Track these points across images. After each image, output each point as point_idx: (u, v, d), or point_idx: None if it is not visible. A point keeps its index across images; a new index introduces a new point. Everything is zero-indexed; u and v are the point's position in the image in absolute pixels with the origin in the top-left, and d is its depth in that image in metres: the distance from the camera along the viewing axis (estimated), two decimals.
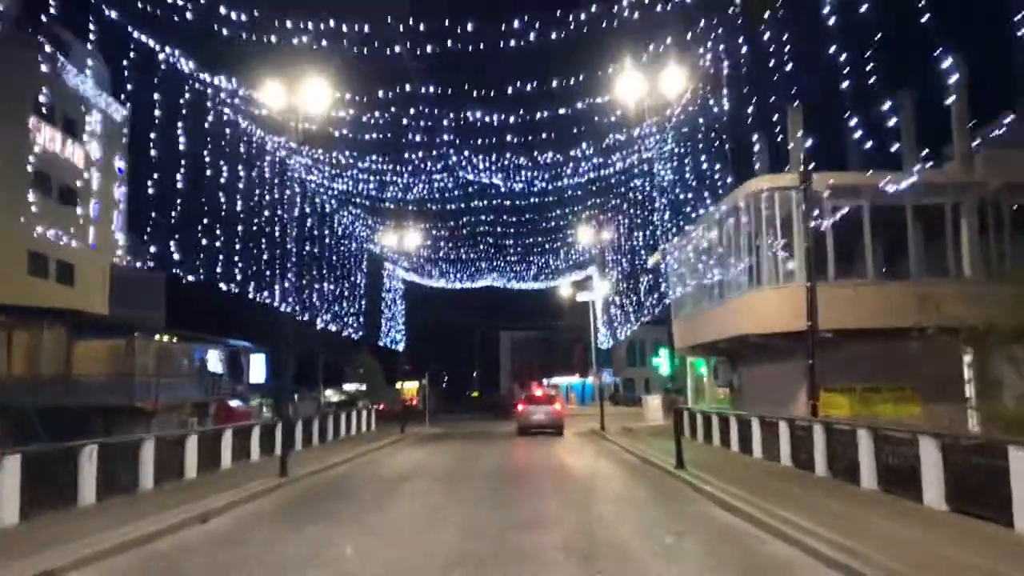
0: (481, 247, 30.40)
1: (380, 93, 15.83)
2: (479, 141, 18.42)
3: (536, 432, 34.20)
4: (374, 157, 18.89)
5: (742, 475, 17.47)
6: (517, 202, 22.92)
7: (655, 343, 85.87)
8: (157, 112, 19.01)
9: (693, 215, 29.98)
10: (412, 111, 16.52)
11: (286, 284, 18.70)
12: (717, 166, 23.32)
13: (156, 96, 19.00)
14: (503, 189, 21.38)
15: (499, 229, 27.02)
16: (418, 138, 18.04)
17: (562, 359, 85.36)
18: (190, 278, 22.84)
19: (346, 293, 27.31)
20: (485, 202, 22.94)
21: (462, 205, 22.85)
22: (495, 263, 33.49)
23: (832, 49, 15.21)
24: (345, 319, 28.08)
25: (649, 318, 34.21)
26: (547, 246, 31.32)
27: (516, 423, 35.93)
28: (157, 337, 36.01)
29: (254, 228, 24.59)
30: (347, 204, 24.16)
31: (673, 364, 24.94)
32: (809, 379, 21.80)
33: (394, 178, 19.58)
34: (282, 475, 18.56)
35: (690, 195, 27.69)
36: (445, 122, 17.12)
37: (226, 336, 43.94)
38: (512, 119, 16.84)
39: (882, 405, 22.98)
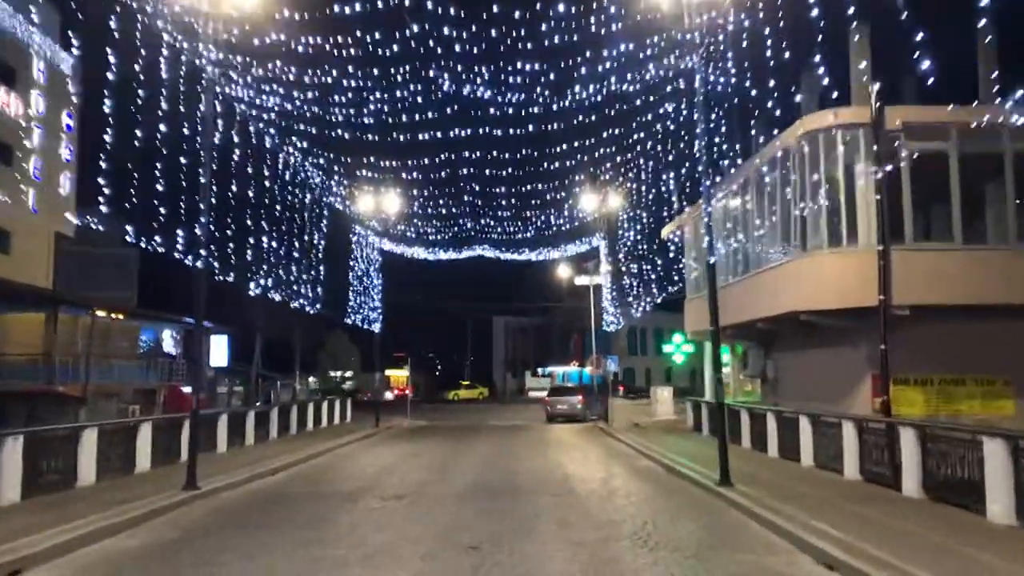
0: (467, 197, 25.33)
1: None
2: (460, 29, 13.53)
3: (561, 419, 35.50)
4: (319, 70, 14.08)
5: (809, 495, 12.90)
6: (511, 130, 18.09)
7: (657, 331, 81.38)
8: (110, 61, 14.57)
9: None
10: None
11: (197, 232, 13.88)
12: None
13: (107, 44, 14.47)
14: (492, 110, 16.55)
15: (488, 170, 22.11)
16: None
17: (558, 346, 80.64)
18: (180, 257, 18.21)
19: (296, 255, 22.40)
20: (469, 130, 18.10)
21: (438, 134, 18.00)
22: (484, 221, 28.48)
23: None
24: (295, 287, 23.17)
25: (674, 290, 29.38)
26: (548, 195, 26.22)
27: (545, 411, 37.18)
28: (101, 313, 31.19)
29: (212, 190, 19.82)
30: (291, 137, 19.34)
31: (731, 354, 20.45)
32: (881, 369, 17.14)
33: (347, 88, 14.77)
34: (188, 488, 13.83)
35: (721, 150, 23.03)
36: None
37: (188, 315, 39.18)
38: None
39: (967, 401, 18.37)
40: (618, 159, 23.37)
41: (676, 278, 31.66)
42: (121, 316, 32.52)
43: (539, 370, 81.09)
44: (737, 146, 22.36)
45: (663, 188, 29.12)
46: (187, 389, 35.72)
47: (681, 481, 15.57)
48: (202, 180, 13.68)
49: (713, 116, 21.34)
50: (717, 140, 23.04)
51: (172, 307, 40.41)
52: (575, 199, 28.88)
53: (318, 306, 25.92)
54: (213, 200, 14.57)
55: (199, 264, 13.87)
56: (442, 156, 20.07)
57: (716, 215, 26.04)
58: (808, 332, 20.38)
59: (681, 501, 12.99)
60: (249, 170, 17.61)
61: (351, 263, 29.32)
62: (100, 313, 30.09)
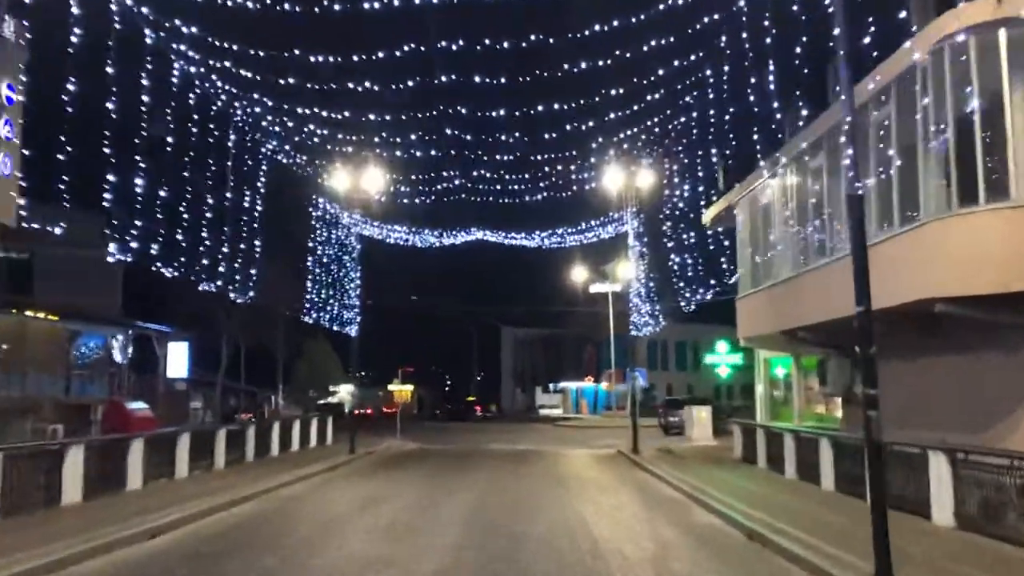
0: (450, 129, 18.85)
1: None
2: None
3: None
4: None
5: None
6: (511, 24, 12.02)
7: (679, 344, 75.10)
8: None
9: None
10: None
11: None
12: None
13: None
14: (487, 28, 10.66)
15: (479, 109, 16.00)
16: None
17: (571, 360, 74.70)
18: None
19: (208, 215, 16.25)
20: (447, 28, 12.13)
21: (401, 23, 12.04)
22: (478, 173, 22.14)
23: None
24: (204, 262, 17.20)
25: (719, 289, 23.48)
26: (561, 142, 19.96)
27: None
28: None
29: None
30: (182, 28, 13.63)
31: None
32: None
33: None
34: None
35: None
36: None
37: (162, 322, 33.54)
38: None
39: None
40: (653, 103, 17.42)
41: (705, 280, 25.91)
42: (42, 315, 26.85)
43: (551, 386, 75.17)
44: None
45: (710, 157, 23.43)
46: (136, 405, 30.00)
47: (791, 567, 9.62)
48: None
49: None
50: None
51: (162, 318, 34.98)
52: (600, 149, 22.52)
53: (250, 294, 20.04)
54: None
55: None
56: (412, 76, 14.03)
57: (775, 191, 20.29)
58: (932, 332, 14.53)
59: None
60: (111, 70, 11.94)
61: (312, 244, 23.31)
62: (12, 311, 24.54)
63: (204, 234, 16.41)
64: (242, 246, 17.73)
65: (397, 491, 16.85)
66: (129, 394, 31.47)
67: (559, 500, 15.28)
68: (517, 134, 19.18)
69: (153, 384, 33.78)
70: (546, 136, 21.77)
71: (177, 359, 34.28)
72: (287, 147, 19.83)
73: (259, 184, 18.19)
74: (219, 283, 17.91)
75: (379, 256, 30.85)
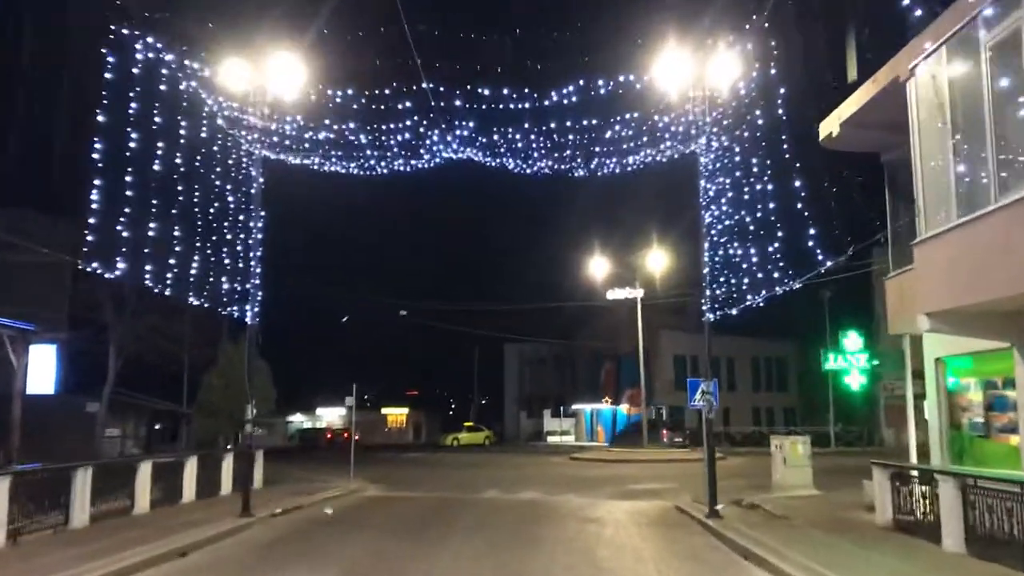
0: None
1: None
2: None
3: None
4: None
5: None
6: None
7: (713, 361, 63.65)
8: None
9: None
10: None
11: None
12: None
13: None
14: None
15: None
16: None
17: (586, 380, 64.51)
18: None
19: None
20: None
21: None
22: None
23: None
24: None
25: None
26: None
27: None
28: None
29: None
30: None
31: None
32: None
33: None
34: None
35: None
36: None
37: None
38: None
39: None
40: None
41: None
42: None
43: (561, 409, 64.74)
44: None
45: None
46: None
47: None
48: None
49: None
50: None
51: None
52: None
53: None
54: None
55: None
56: None
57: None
58: None
59: None
60: None
61: (106, 120, 12.92)
62: None
63: None
64: None
65: None
66: None
67: None
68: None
69: (5, 403, 23.79)
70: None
71: (41, 367, 24.34)
72: None
73: None
74: None
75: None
